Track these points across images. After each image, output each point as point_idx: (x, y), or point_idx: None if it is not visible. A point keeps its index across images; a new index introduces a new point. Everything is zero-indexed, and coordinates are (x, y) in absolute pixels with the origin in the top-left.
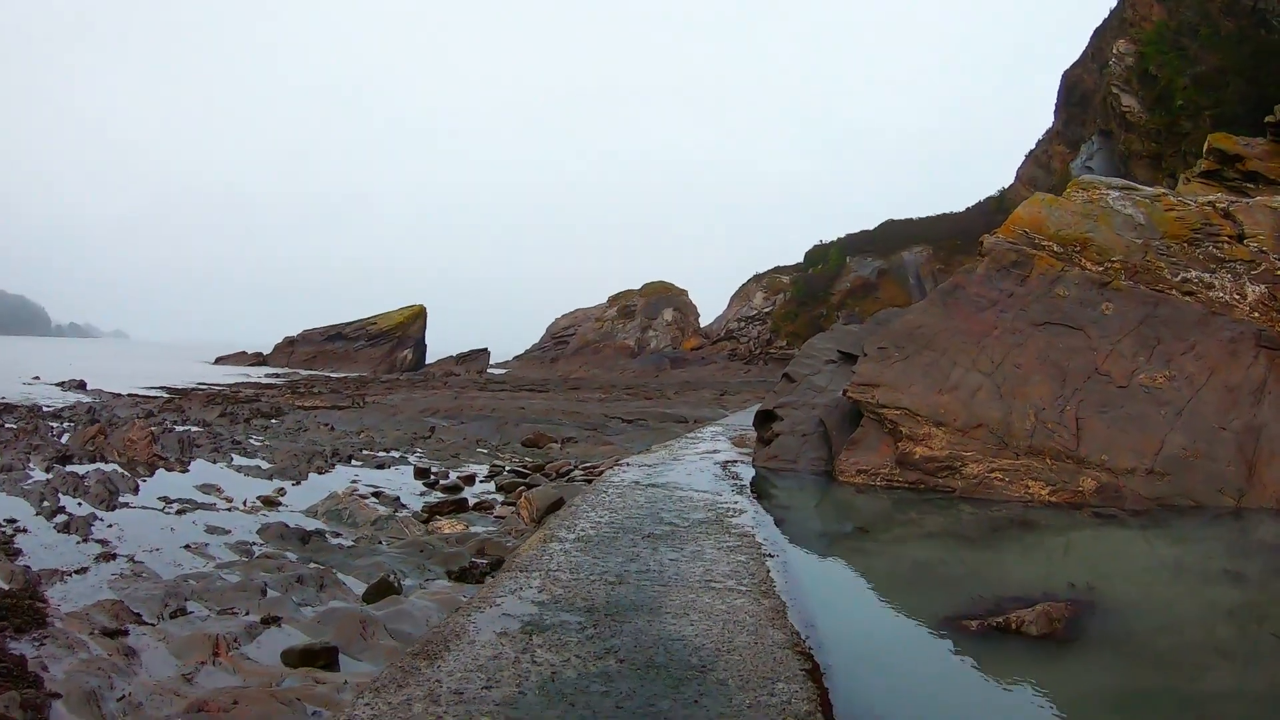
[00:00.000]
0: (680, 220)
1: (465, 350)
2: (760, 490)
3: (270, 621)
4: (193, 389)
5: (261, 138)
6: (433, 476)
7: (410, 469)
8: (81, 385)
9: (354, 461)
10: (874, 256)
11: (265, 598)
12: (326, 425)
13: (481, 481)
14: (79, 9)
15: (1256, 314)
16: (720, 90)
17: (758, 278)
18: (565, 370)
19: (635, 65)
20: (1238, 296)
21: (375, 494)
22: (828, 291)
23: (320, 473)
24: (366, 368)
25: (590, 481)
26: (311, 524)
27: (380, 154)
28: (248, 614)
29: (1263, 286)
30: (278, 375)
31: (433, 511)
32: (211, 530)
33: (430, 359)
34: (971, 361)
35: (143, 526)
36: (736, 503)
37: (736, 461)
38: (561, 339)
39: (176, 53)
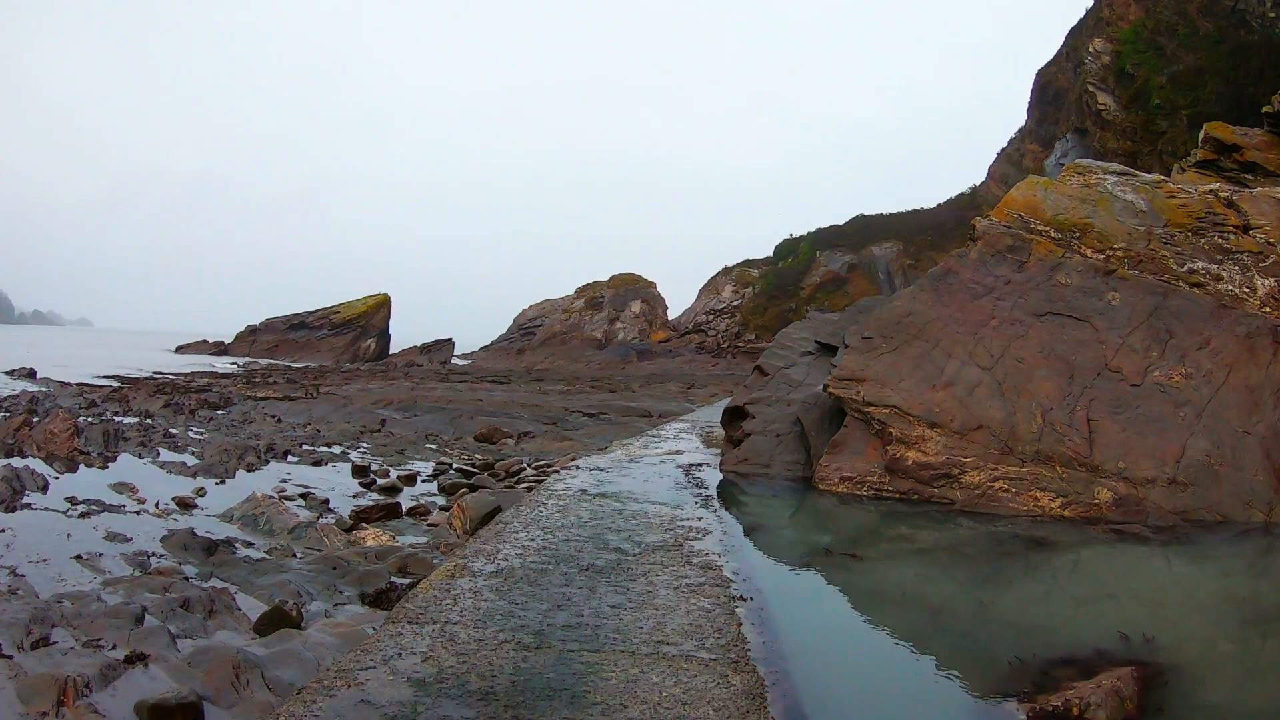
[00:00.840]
0: (649, 212)
1: (429, 341)
2: (728, 500)
3: (136, 660)
4: (146, 378)
5: (232, 122)
6: (371, 475)
7: (349, 466)
8: (31, 374)
9: (290, 457)
10: (844, 251)
11: (140, 627)
12: (274, 417)
13: (424, 481)
14: None
15: (1268, 309)
16: (689, 83)
17: (726, 270)
18: (530, 361)
19: (604, 58)
20: (1248, 290)
21: (303, 495)
22: (797, 285)
23: (250, 470)
24: (329, 357)
25: (543, 483)
26: (224, 530)
27: (352, 141)
28: (114, 648)
29: (1273, 280)
30: (236, 364)
31: (360, 518)
32: (111, 537)
33: (396, 349)
34: (968, 354)
35: (38, 532)
36: (700, 519)
37: (702, 465)
38: (528, 330)
39: (144, 35)
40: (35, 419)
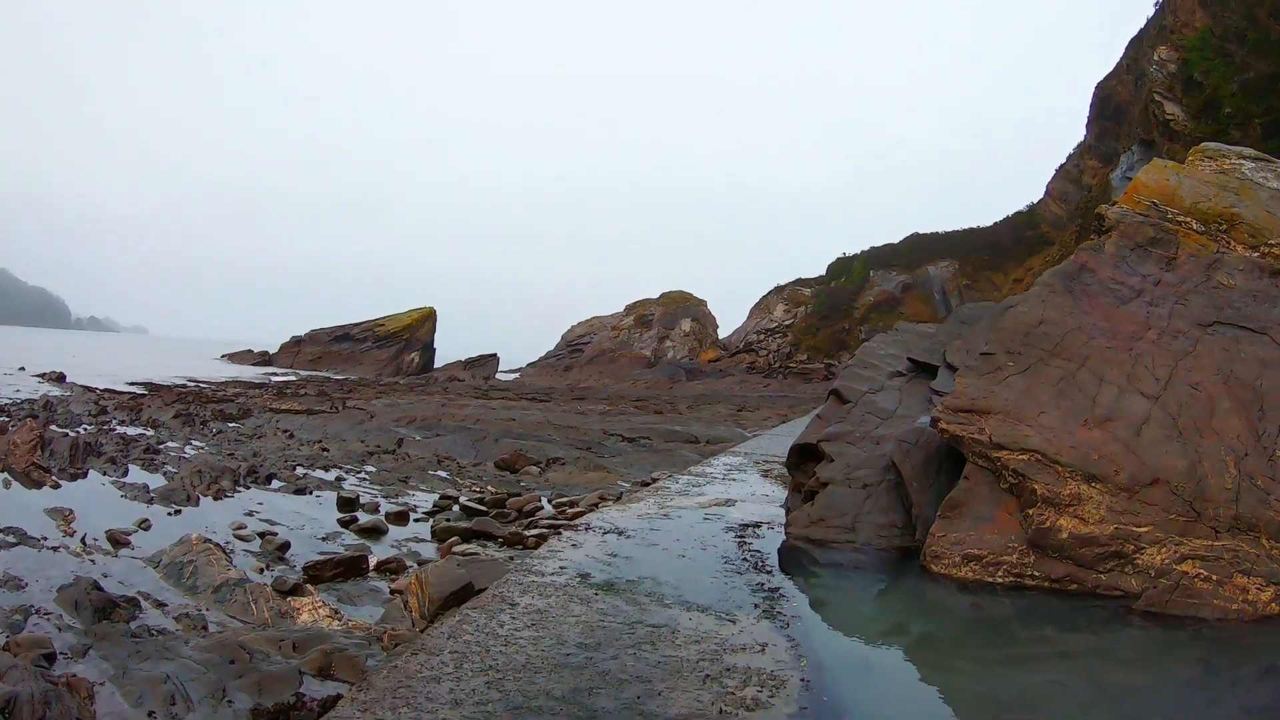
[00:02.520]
0: (701, 229)
1: (474, 356)
2: (805, 597)
3: None
4: (176, 386)
5: (289, 139)
6: (358, 510)
7: (336, 497)
8: (60, 378)
9: (274, 482)
10: (898, 270)
11: None
12: (286, 432)
13: (417, 520)
14: (102, 6)
15: None
16: (742, 99)
17: (778, 289)
18: (576, 379)
19: (656, 74)
20: None
21: (263, 535)
22: (851, 305)
23: (218, 498)
24: (372, 370)
25: (559, 530)
26: (141, 581)
27: (406, 155)
28: None
29: None
30: (275, 375)
31: (311, 575)
32: (4, 582)
33: (442, 363)
34: (1126, 378)
35: None
36: (765, 645)
37: (760, 525)
38: (577, 347)
39: (205, 54)
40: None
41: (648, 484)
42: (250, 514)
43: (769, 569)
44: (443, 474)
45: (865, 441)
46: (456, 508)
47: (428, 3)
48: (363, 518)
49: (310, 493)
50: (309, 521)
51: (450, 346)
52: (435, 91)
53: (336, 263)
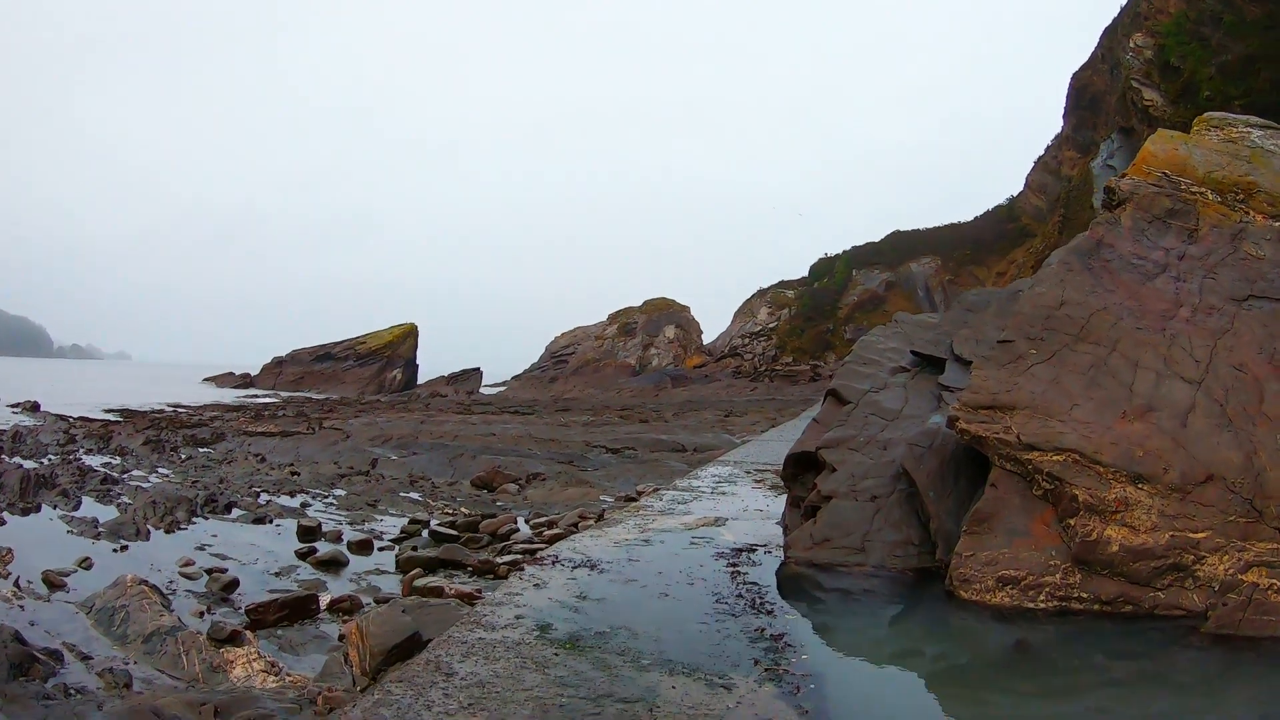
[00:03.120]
0: (682, 236)
1: (457, 371)
2: (815, 641)
3: None
4: (150, 412)
5: (272, 158)
6: (320, 539)
7: (299, 524)
8: (35, 407)
9: (233, 511)
10: (881, 269)
11: None
12: (257, 455)
13: (382, 548)
14: (82, 29)
15: None
16: (722, 108)
17: (761, 293)
18: (560, 390)
19: (638, 85)
20: None
21: (212, 571)
22: (834, 306)
23: (171, 531)
24: (354, 389)
25: (532, 556)
26: (69, 629)
27: (389, 172)
28: None
29: None
30: (256, 397)
31: (255, 618)
32: None
33: (426, 378)
34: (1162, 361)
35: None
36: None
37: (756, 548)
38: (561, 358)
39: (185, 73)
40: None
41: (632, 499)
42: (202, 548)
43: (769, 607)
44: (415, 496)
45: (870, 447)
46: (426, 533)
47: (411, 23)
48: (323, 548)
49: (270, 521)
50: (264, 555)
51: (435, 362)
52: (419, 109)
53: (324, 283)
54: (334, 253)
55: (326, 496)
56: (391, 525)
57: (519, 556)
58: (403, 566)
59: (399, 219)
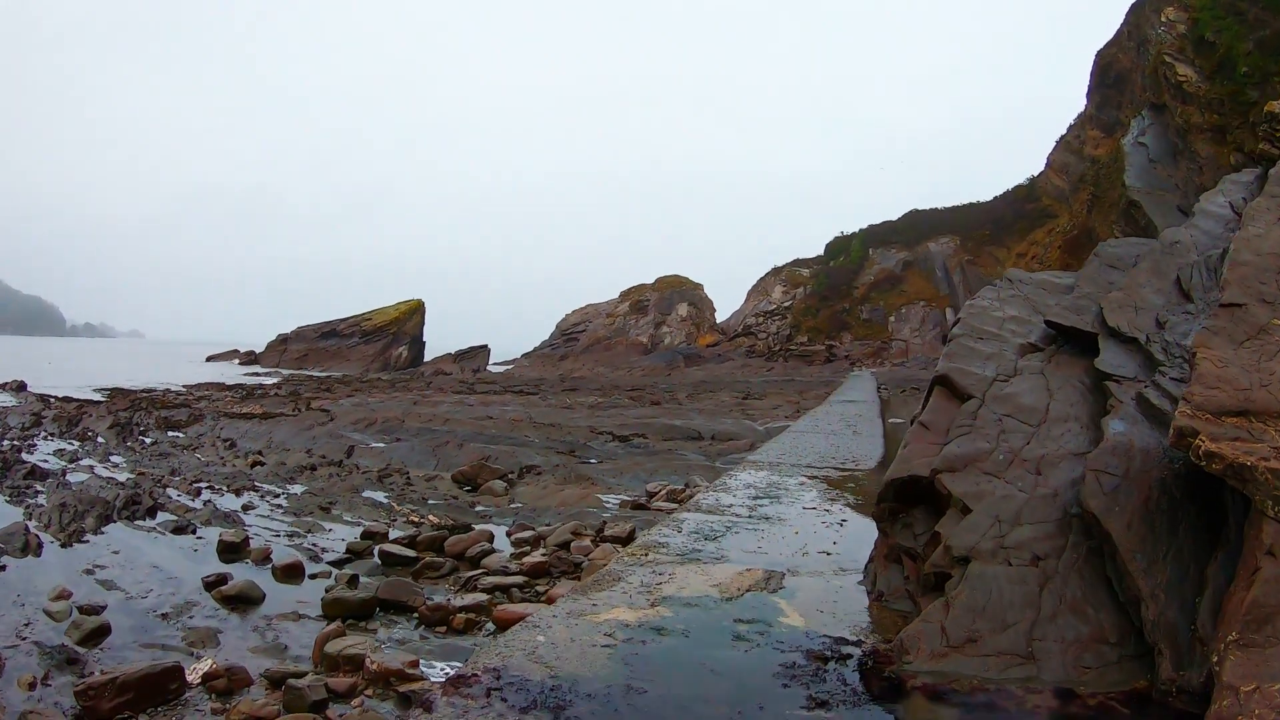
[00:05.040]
0: (696, 215)
1: (464, 348)
2: None
3: None
4: (140, 391)
5: (286, 138)
6: (245, 557)
7: (221, 538)
8: (21, 387)
9: (159, 515)
10: (898, 248)
11: None
12: (226, 441)
13: (316, 575)
14: (100, 7)
15: None
16: (737, 89)
17: (776, 271)
18: (570, 368)
19: (655, 64)
20: None
21: (85, 609)
22: (850, 285)
23: (70, 542)
24: (359, 366)
25: (507, 589)
26: None
27: (403, 152)
28: None
29: None
30: (257, 375)
31: (86, 706)
32: None
33: (435, 355)
34: None
35: None
36: None
37: (844, 646)
38: (571, 336)
39: (203, 57)
40: None
41: (641, 506)
42: (93, 569)
43: None
44: (380, 496)
45: (1016, 470)
46: (377, 552)
47: (423, 3)
48: (240, 574)
49: (194, 531)
50: (163, 582)
51: (446, 340)
52: (430, 88)
53: (338, 261)
54: (348, 232)
55: (279, 495)
56: (340, 538)
57: (485, 596)
58: (327, 611)
59: (412, 198)
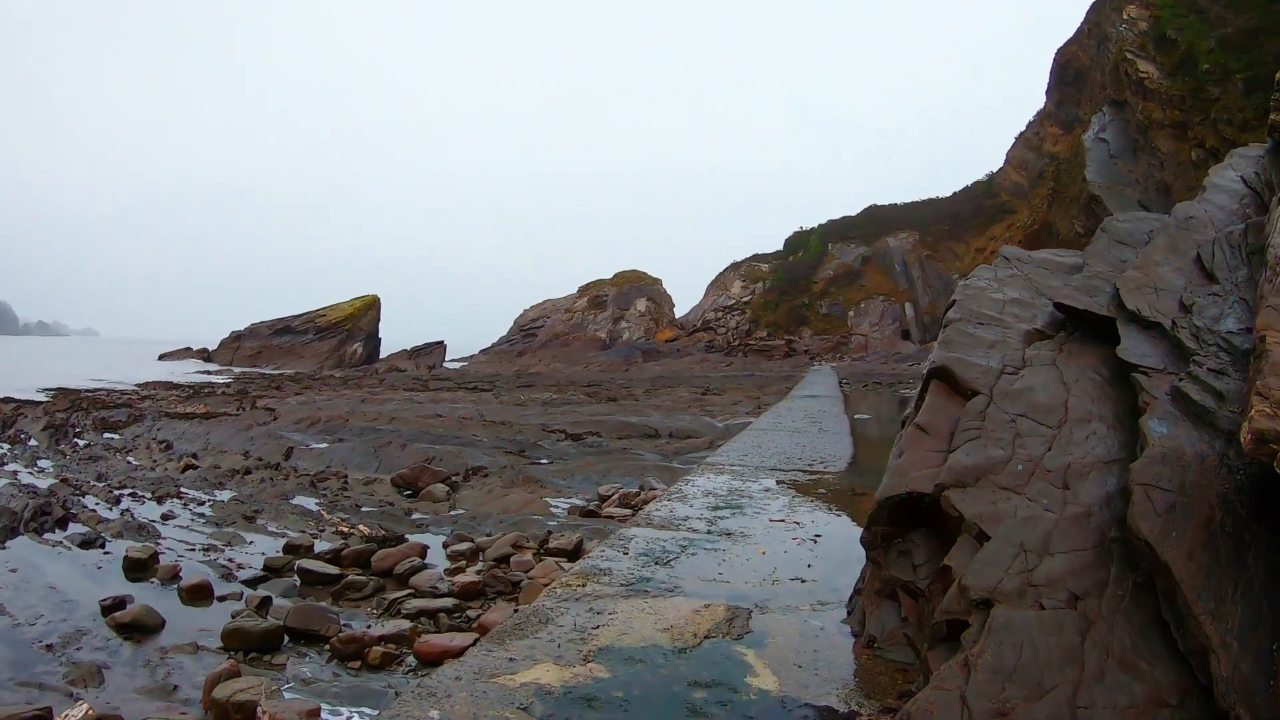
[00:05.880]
0: (658, 211)
1: (419, 344)
2: None
3: None
4: (85, 391)
5: (249, 135)
6: (151, 576)
7: (127, 554)
8: None
9: (69, 527)
10: (858, 243)
11: None
12: (163, 443)
13: (225, 597)
14: (52, 4)
15: None
16: (703, 86)
17: (735, 266)
18: (526, 364)
19: (619, 63)
20: None
21: None
22: (809, 280)
23: None
24: (313, 363)
25: (434, 615)
26: None
27: (370, 148)
28: None
29: None
30: (208, 373)
31: None
32: None
33: (392, 350)
34: None
35: None
36: None
37: (830, 716)
38: (529, 331)
39: (169, 49)
40: None
41: (591, 513)
42: None
43: None
44: (311, 503)
45: (1038, 482)
46: (297, 569)
47: (391, 5)
48: (143, 595)
49: (102, 546)
50: (58, 606)
51: (404, 336)
52: (395, 85)
53: (300, 257)
54: (311, 228)
55: (204, 502)
56: (260, 551)
57: (408, 624)
58: (226, 643)
59: (376, 195)
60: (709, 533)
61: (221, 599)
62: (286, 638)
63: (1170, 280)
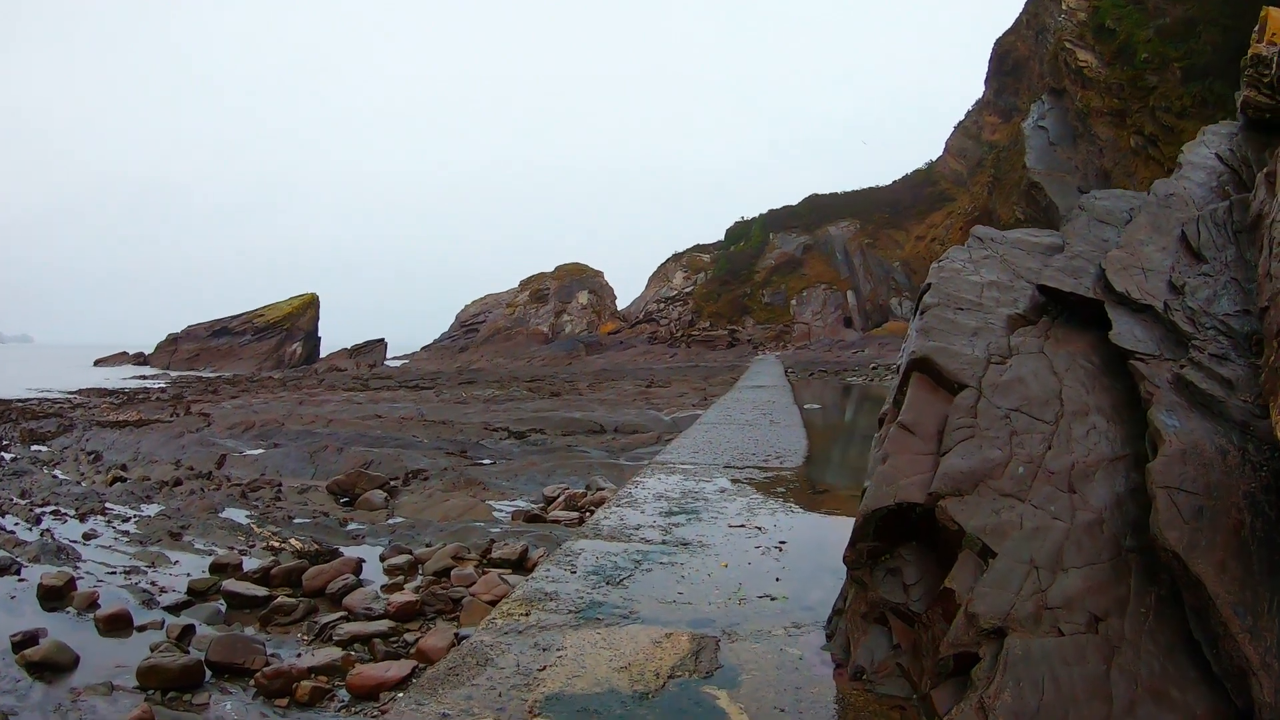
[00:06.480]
0: (600, 204)
1: (361, 342)
2: None
3: None
4: (17, 401)
5: (191, 132)
6: (67, 604)
7: (41, 582)
8: None
9: None
10: (799, 232)
11: None
12: (91, 454)
13: (145, 626)
14: None
15: None
16: (645, 81)
17: (677, 257)
18: (468, 360)
19: (556, 55)
20: None
21: None
22: (751, 269)
23: None
24: (252, 364)
25: (368, 641)
26: None
27: (309, 143)
28: None
29: None
30: (143, 378)
31: None
32: None
33: (333, 349)
34: None
35: None
36: None
37: None
38: (471, 327)
39: (98, 41)
40: None
41: (536, 517)
42: None
43: None
44: (242, 515)
45: (1042, 486)
46: (224, 591)
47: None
48: (58, 627)
49: (16, 572)
50: None
51: (346, 333)
52: (336, 79)
53: (239, 255)
54: (250, 226)
55: (129, 518)
56: (186, 572)
57: (341, 654)
58: (142, 682)
59: (316, 191)
60: (664, 543)
61: (141, 629)
62: (209, 672)
63: (1157, 260)
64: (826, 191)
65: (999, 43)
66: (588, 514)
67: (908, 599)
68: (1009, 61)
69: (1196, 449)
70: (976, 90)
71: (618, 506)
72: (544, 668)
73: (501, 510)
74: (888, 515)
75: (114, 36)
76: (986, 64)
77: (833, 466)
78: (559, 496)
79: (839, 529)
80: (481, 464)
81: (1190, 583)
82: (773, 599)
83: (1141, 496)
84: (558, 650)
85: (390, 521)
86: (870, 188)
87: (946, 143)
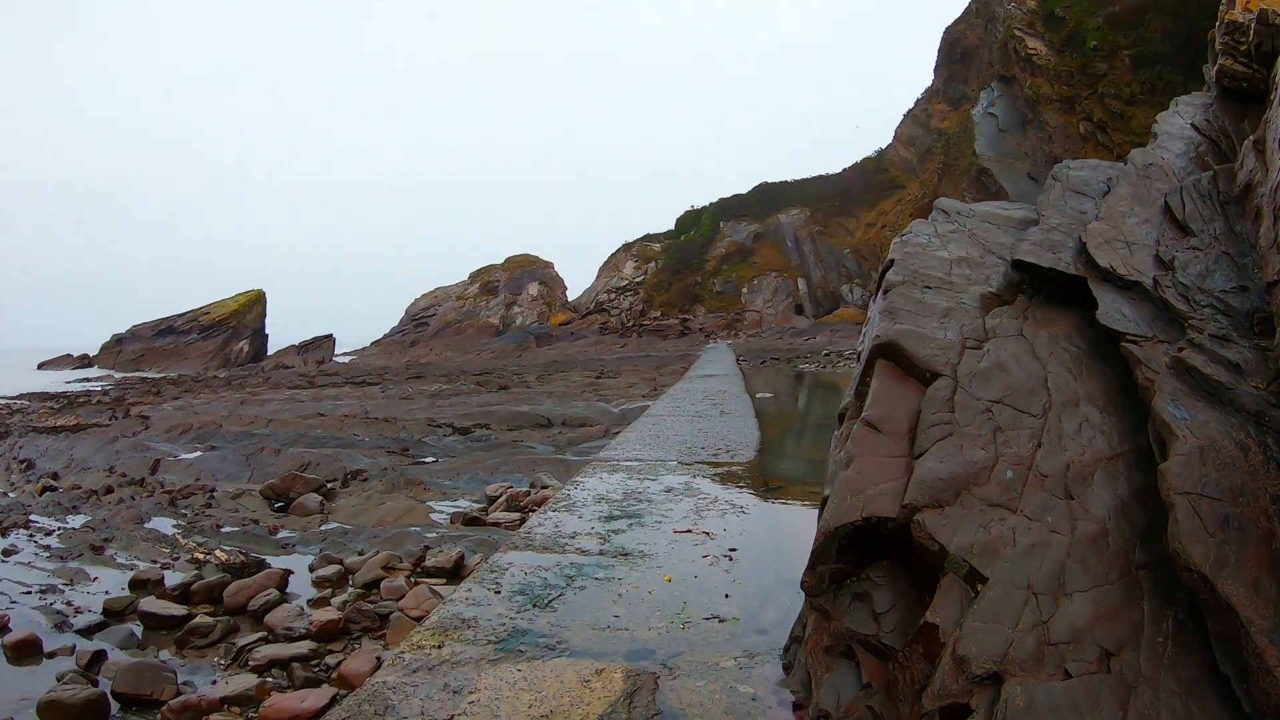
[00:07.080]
0: (549, 194)
1: (308, 338)
2: None
3: None
4: None
5: (131, 126)
6: None
7: None
8: None
9: None
10: (749, 220)
11: None
12: (23, 462)
13: (55, 653)
14: None
15: None
16: (591, 70)
17: (627, 247)
18: (417, 355)
19: (497, 45)
20: None
21: None
22: (701, 258)
23: None
24: (199, 363)
25: (286, 665)
26: None
27: (254, 139)
28: None
29: None
30: (87, 380)
31: None
32: None
33: (281, 346)
34: None
35: None
36: None
37: None
38: (421, 321)
39: (39, 32)
40: None
41: (475, 519)
42: None
43: None
44: (169, 525)
45: (1034, 492)
46: (139, 610)
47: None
48: None
49: None
50: None
51: (294, 330)
52: (286, 71)
53: (186, 254)
54: (196, 224)
55: (53, 531)
56: (105, 589)
57: (256, 680)
58: (43, 717)
59: (263, 188)
60: (602, 554)
61: (51, 655)
62: (116, 705)
63: (1141, 233)
64: (776, 180)
65: (948, 31)
66: (530, 514)
67: (879, 630)
68: (958, 49)
69: (1215, 446)
70: (926, 79)
71: (554, 511)
72: (452, 717)
73: (441, 512)
74: (854, 532)
75: (49, 35)
76: (936, 52)
77: (786, 458)
78: (501, 496)
79: (794, 529)
80: (424, 462)
81: (1218, 607)
82: (721, 620)
83: (1148, 500)
84: (470, 693)
85: (324, 528)
86: (820, 175)
87: (896, 131)
